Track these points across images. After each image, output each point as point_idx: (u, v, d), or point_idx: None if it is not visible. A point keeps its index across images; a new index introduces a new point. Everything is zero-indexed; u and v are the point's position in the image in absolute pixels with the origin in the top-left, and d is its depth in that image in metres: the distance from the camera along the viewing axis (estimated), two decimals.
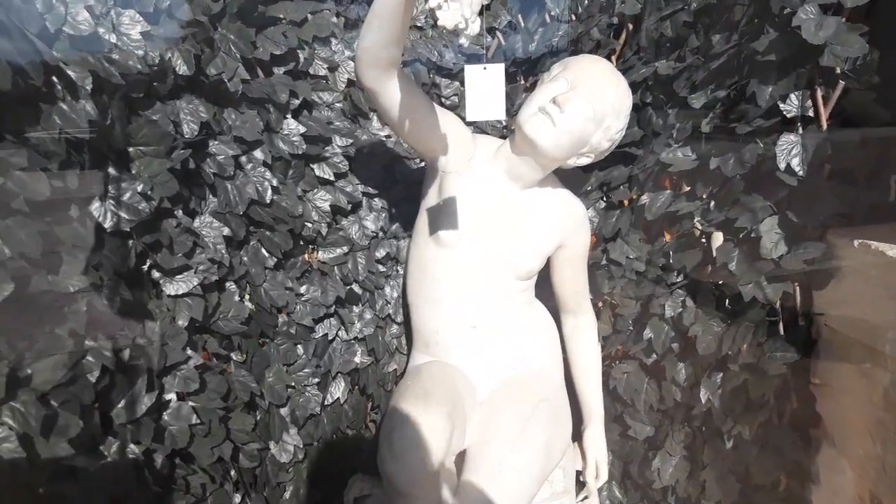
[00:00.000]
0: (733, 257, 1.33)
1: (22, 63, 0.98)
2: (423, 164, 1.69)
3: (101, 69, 1.11)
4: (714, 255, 1.38)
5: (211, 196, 1.36)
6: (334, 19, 1.57)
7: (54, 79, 1.05)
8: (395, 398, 1.28)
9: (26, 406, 0.89)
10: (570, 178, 1.53)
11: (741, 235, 1.32)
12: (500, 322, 1.44)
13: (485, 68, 1.06)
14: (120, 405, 1.10)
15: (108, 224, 1.11)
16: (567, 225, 1.47)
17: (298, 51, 1.51)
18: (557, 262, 1.51)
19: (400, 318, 1.69)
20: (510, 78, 1.69)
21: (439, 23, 0.99)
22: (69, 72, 1.06)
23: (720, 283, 1.39)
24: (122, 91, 1.16)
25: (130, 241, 1.15)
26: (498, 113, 1.07)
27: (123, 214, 1.12)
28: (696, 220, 1.42)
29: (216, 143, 1.36)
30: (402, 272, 1.69)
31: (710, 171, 1.35)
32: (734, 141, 1.32)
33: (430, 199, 1.46)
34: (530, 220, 1.44)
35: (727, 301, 1.39)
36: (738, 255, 1.32)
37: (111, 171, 1.13)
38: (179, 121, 1.29)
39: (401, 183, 1.67)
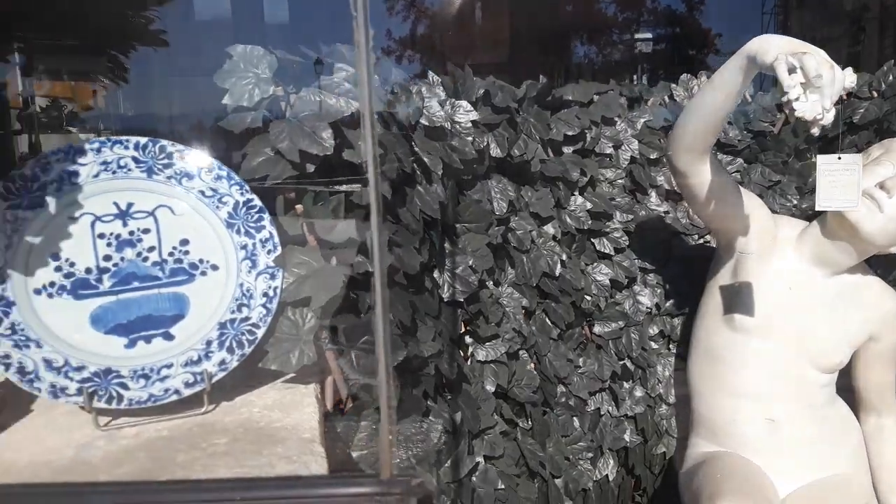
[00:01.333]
0: None
1: (398, 153, 1.11)
2: (701, 240, 1.66)
3: (444, 155, 1.23)
4: None
5: (510, 268, 1.44)
6: (621, 100, 1.62)
7: (415, 166, 1.18)
8: (708, 491, 1.23)
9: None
10: (877, 264, 1.41)
11: None
12: (800, 417, 1.34)
13: (839, 158, 1.02)
14: (446, 465, 1.18)
15: (446, 295, 1.21)
16: (879, 317, 1.36)
17: (586, 131, 1.58)
18: (864, 356, 1.39)
19: (671, 399, 1.65)
20: (799, 155, 1.63)
21: (797, 114, 0.98)
22: (425, 159, 1.19)
23: None
24: (457, 174, 1.28)
25: (459, 311, 1.25)
26: (851, 203, 1.03)
27: (458, 286, 1.22)
28: None
29: (517, 218, 1.44)
30: (674, 351, 1.66)
31: None
32: None
33: (723, 279, 1.42)
34: (838, 309, 1.35)
35: None
36: None
37: (447, 246, 1.24)
38: (491, 199, 1.38)
39: (677, 259, 1.65)
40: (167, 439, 0.79)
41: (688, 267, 1.63)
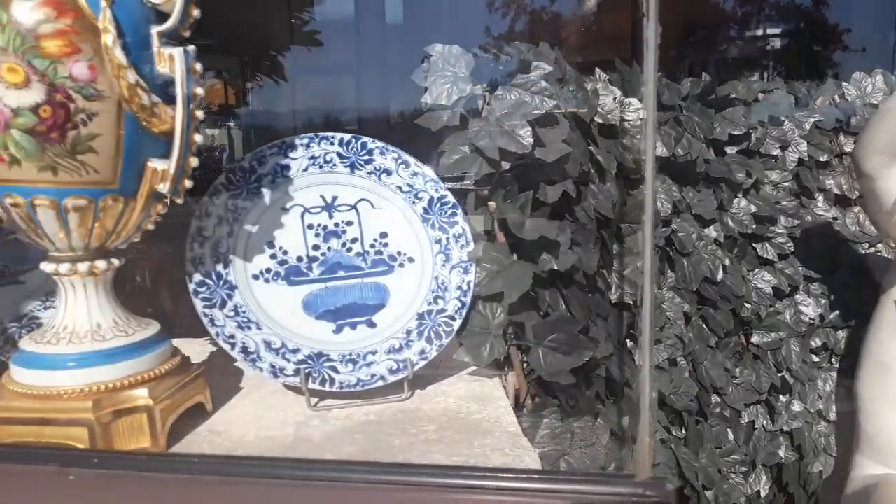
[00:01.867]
0: None
1: (577, 151, 1.10)
2: (871, 249, 1.56)
3: (616, 153, 1.22)
4: None
5: (669, 272, 1.40)
6: (791, 99, 1.55)
7: (590, 164, 1.17)
8: None
9: None
10: None
11: None
12: None
13: None
14: (610, 469, 1.16)
15: (614, 297, 1.19)
16: None
17: (751, 130, 1.51)
18: None
19: (832, 416, 1.56)
20: None
21: None
22: (599, 157, 1.17)
23: None
24: (626, 173, 1.25)
25: (625, 314, 1.23)
26: None
27: (626, 288, 1.20)
28: None
29: (678, 220, 1.40)
30: (837, 365, 1.56)
31: None
32: None
33: None
34: None
35: None
36: None
37: (614, 246, 1.22)
38: (655, 199, 1.35)
39: (845, 268, 1.55)
40: (376, 423, 0.82)
41: (856, 277, 1.53)
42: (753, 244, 1.51)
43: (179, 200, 0.75)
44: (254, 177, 0.92)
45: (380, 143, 0.96)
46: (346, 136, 0.96)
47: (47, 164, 0.67)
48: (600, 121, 1.20)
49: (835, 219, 1.55)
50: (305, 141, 0.95)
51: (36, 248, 1.02)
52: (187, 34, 0.74)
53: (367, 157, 0.96)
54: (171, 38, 0.72)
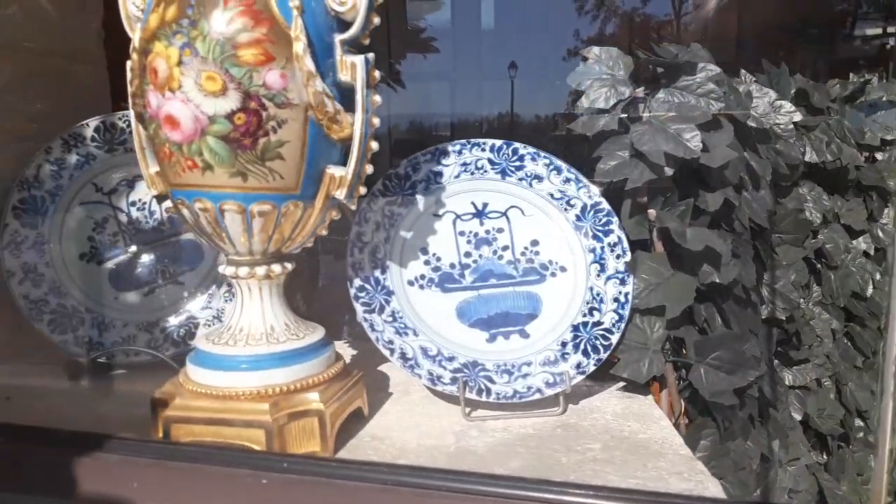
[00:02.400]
0: None
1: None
2: None
3: (772, 159, 1.15)
4: None
5: (815, 285, 1.31)
6: None
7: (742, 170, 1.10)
8: None
9: None
10: None
11: None
12: None
13: None
14: (755, 494, 1.09)
15: (764, 312, 1.12)
16: None
17: None
18: None
19: None
20: None
21: None
22: (753, 163, 1.11)
23: None
24: (777, 180, 1.18)
25: (776, 329, 1.16)
26: None
27: (778, 303, 1.13)
28: None
29: (826, 231, 1.31)
30: None
31: None
32: None
33: None
34: None
35: None
36: None
37: (769, 259, 1.15)
38: (802, 208, 1.27)
39: None
40: (537, 437, 0.80)
41: None
42: None
43: (353, 207, 0.76)
44: (408, 183, 0.92)
45: (531, 149, 0.94)
46: (498, 143, 0.94)
47: (238, 171, 0.68)
48: (753, 124, 1.14)
49: None
50: (458, 147, 0.94)
51: (192, 251, 1.06)
52: (367, 42, 0.74)
53: (517, 164, 0.94)
54: (352, 46, 0.72)
